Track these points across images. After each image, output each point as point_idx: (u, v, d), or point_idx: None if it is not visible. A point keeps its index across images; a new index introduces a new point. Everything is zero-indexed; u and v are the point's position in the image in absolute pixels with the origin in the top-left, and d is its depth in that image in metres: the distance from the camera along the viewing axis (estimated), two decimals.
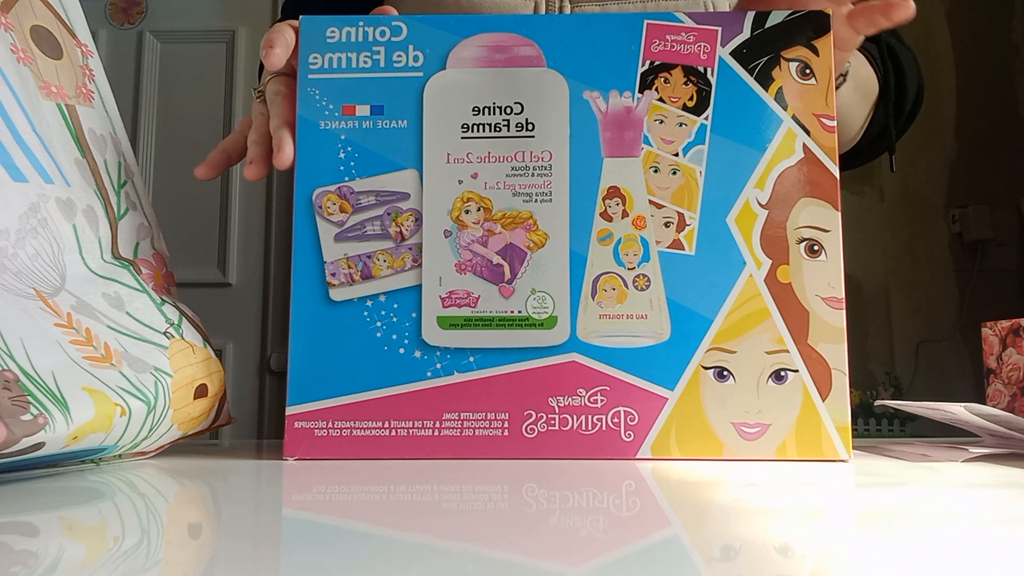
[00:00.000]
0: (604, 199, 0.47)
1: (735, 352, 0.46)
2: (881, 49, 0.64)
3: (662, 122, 0.48)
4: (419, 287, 0.47)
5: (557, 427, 0.46)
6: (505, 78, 0.48)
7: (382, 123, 0.48)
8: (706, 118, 0.48)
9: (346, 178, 0.48)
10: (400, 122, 0.48)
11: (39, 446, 0.36)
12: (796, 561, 0.23)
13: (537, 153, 0.48)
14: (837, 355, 0.46)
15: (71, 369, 0.39)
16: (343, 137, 0.48)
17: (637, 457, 0.45)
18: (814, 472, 0.41)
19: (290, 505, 0.33)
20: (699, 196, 0.47)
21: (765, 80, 0.48)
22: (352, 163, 0.48)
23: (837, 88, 0.55)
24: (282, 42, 0.48)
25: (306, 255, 0.48)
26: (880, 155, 0.68)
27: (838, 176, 0.47)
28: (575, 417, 0.46)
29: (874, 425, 1.96)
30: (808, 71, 0.48)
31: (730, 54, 0.48)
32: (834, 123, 0.48)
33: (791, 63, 0.48)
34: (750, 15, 0.48)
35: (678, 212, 0.47)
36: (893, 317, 2.04)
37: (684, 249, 0.47)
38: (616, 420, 0.46)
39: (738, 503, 0.32)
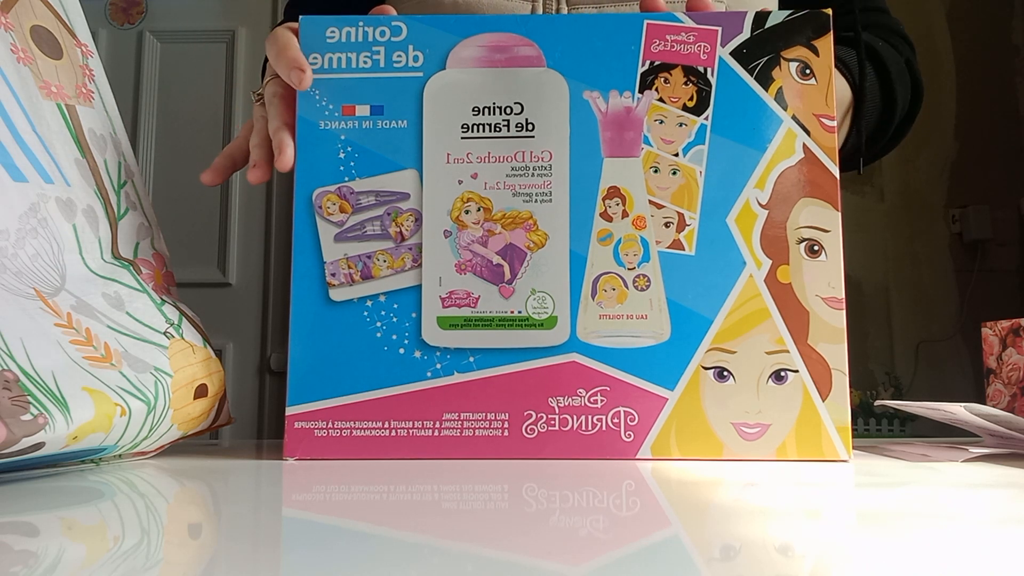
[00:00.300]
0: (604, 199, 0.47)
1: (735, 352, 0.46)
2: (860, 55, 0.62)
3: (662, 122, 0.48)
4: (419, 287, 0.47)
5: (557, 427, 0.46)
6: (505, 78, 0.48)
7: (382, 123, 0.48)
8: (706, 118, 0.48)
9: (346, 178, 0.48)
10: (400, 122, 0.48)
11: (39, 446, 0.36)
12: (796, 561, 0.23)
13: (537, 153, 0.48)
14: (837, 355, 0.46)
15: (71, 369, 0.39)
16: (343, 137, 0.48)
17: (637, 457, 0.45)
18: (814, 472, 0.41)
19: (290, 505, 0.33)
20: (699, 196, 0.47)
21: (765, 80, 0.48)
22: (352, 163, 0.48)
23: None
24: (304, 60, 0.48)
25: (306, 255, 0.48)
26: (855, 167, 0.67)
27: (838, 176, 0.47)
28: (575, 417, 0.46)
29: (874, 425, 1.96)
30: (808, 71, 0.48)
31: (730, 54, 0.48)
32: (834, 123, 0.48)
33: (791, 63, 0.48)
34: (750, 15, 0.48)
35: (678, 212, 0.47)
36: (893, 317, 2.04)
37: (684, 249, 0.47)
38: (616, 420, 0.46)
39: (738, 503, 0.32)
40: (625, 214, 0.47)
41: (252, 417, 1.90)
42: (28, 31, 0.47)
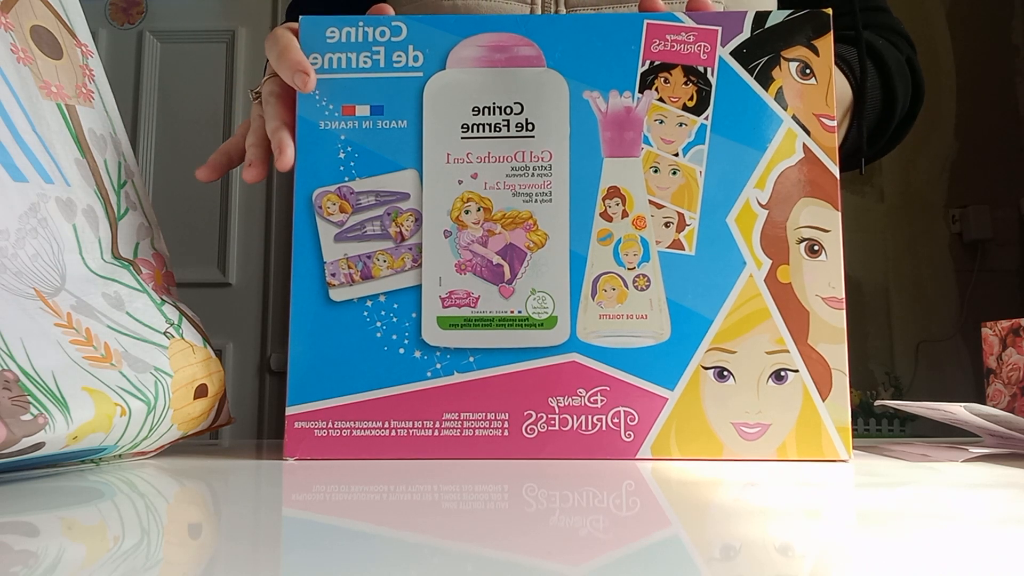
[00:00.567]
0: (604, 199, 0.47)
1: (735, 352, 0.46)
2: (860, 53, 0.62)
3: (662, 122, 0.48)
4: (419, 287, 0.47)
5: (557, 427, 0.46)
6: (505, 78, 0.48)
7: (382, 123, 0.48)
8: (706, 118, 0.48)
9: (346, 178, 0.48)
10: (400, 122, 0.48)
11: (39, 446, 0.36)
12: (796, 561, 0.23)
13: (537, 153, 0.48)
14: (837, 355, 0.46)
15: (71, 369, 0.39)
16: (343, 137, 0.48)
17: (637, 457, 0.45)
18: (814, 472, 0.41)
19: (290, 505, 0.33)
20: (699, 196, 0.47)
21: (765, 80, 0.48)
22: (352, 163, 0.48)
23: None
24: (307, 63, 0.48)
25: (306, 255, 0.48)
26: (856, 166, 0.66)
27: (838, 176, 0.47)
28: (575, 417, 0.46)
29: (874, 425, 1.96)
30: (808, 71, 0.48)
31: (730, 54, 0.48)
32: (834, 123, 0.48)
33: (791, 63, 0.48)
34: (750, 15, 0.48)
35: (678, 212, 0.47)
36: (893, 317, 2.04)
37: (684, 249, 0.47)
38: (616, 420, 0.46)
39: (738, 503, 0.32)
40: (625, 214, 0.47)
41: (252, 417, 1.90)
42: (28, 31, 0.47)
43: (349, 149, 0.48)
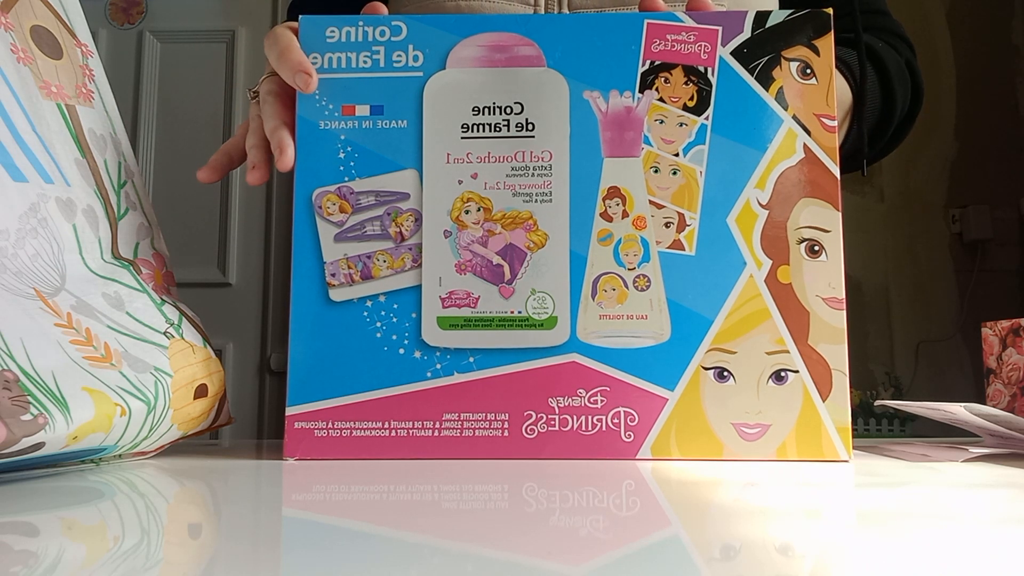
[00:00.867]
0: (604, 199, 0.47)
1: (735, 352, 0.46)
2: (860, 56, 0.63)
3: (662, 122, 0.48)
4: (419, 287, 0.47)
5: (557, 427, 0.46)
6: (505, 78, 0.48)
7: (382, 123, 0.48)
8: (706, 118, 0.47)
9: (346, 178, 0.48)
10: (400, 122, 0.48)
11: (39, 446, 0.36)
12: (796, 561, 0.23)
13: (537, 153, 0.48)
14: (837, 355, 0.46)
15: (71, 369, 0.39)
16: (343, 137, 0.48)
17: (637, 457, 0.45)
18: (814, 472, 0.41)
19: (290, 505, 0.33)
20: (699, 196, 0.47)
21: (766, 80, 0.48)
22: (352, 163, 0.48)
23: None
24: (309, 64, 0.48)
25: (306, 255, 0.48)
26: (858, 168, 0.66)
27: (839, 176, 0.47)
28: (575, 417, 0.46)
29: (874, 425, 1.96)
30: (809, 71, 0.48)
31: (730, 54, 0.48)
32: (835, 123, 0.48)
33: (792, 63, 0.48)
34: (750, 15, 0.48)
35: (678, 212, 0.47)
36: (893, 317, 2.04)
37: (684, 249, 0.47)
38: (616, 420, 0.46)
39: (738, 503, 0.32)
40: (625, 214, 0.47)
41: (252, 417, 1.90)
42: (28, 31, 0.47)
43: (349, 149, 0.48)
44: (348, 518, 0.30)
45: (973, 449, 0.52)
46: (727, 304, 0.46)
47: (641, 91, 0.48)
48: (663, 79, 0.48)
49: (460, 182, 0.48)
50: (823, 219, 0.47)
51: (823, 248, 0.47)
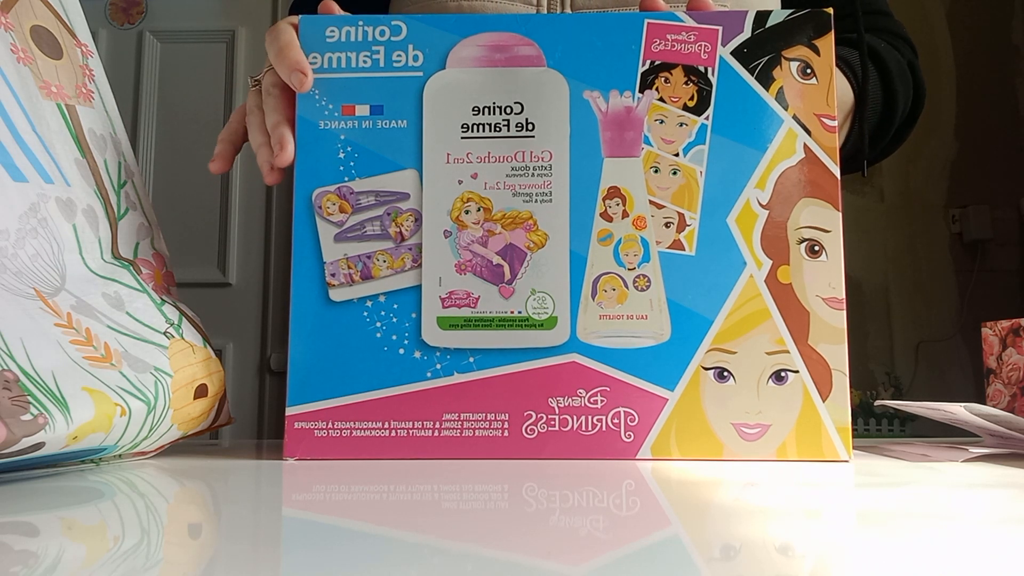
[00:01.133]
0: (604, 199, 0.47)
1: (735, 353, 0.46)
2: (862, 56, 0.62)
3: (662, 122, 0.48)
4: (419, 287, 0.47)
5: (557, 427, 0.46)
6: (505, 78, 0.48)
7: (382, 123, 0.48)
8: (707, 118, 0.47)
9: (346, 178, 0.48)
10: (400, 122, 0.48)
11: (39, 446, 0.36)
12: (796, 561, 0.23)
13: (537, 153, 0.48)
14: (837, 355, 0.46)
15: (71, 369, 0.39)
16: (343, 137, 0.48)
17: (637, 457, 0.45)
18: (814, 472, 0.41)
19: (290, 505, 0.33)
20: (699, 196, 0.47)
21: (766, 80, 0.48)
22: (352, 163, 0.48)
23: None
24: (306, 63, 0.48)
25: (306, 255, 0.48)
26: (859, 169, 0.66)
27: (839, 176, 0.47)
28: (575, 418, 0.46)
29: (874, 425, 1.96)
30: (809, 71, 0.48)
31: (731, 54, 0.48)
32: (835, 123, 0.48)
33: (792, 63, 0.48)
34: (751, 14, 0.48)
35: (678, 212, 0.47)
36: (893, 317, 2.04)
37: (684, 249, 0.47)
38: (616, 420, 0.46)
39: (738, 503, 0.32)
40: (625, 214, 0.47)
41: (252, 417, 1.90)
42: (28, 31, 0.47)
43: (349, 149, 0.48)
44: (348, 518, 0.30)
45: (973, 449, 0.52)
46: (727, 304, 0.46)
47: (641, 91, 0.48)
48: (663, 79, 0.48)
49: (460, 182, 0.48)
50: (823, 219, 0.47)
51: (823, 248, 0.47)
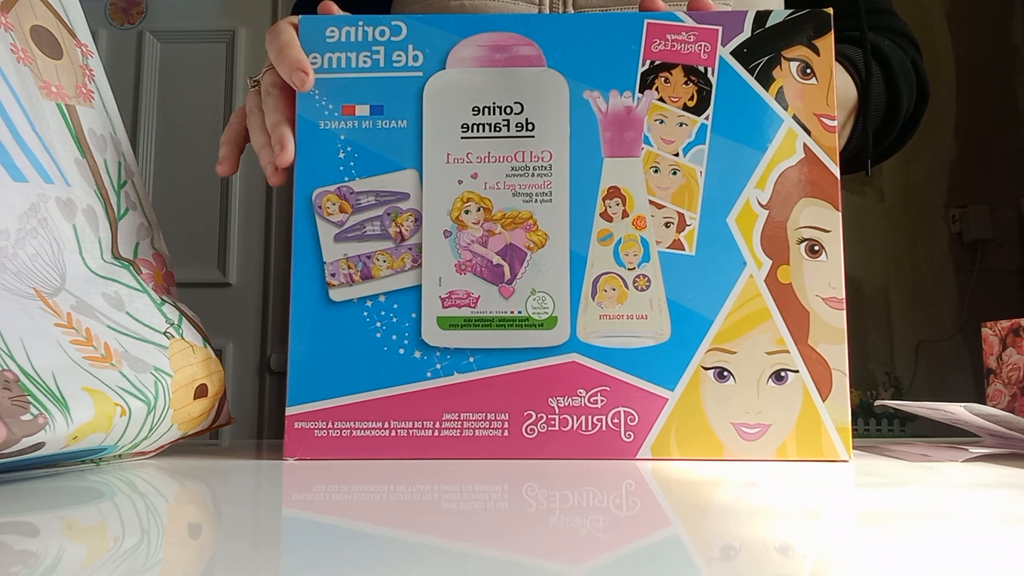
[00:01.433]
0: (604, 199, 0.47)
1: (735, 352, 0.46)
2: (866, 54, 0.62)
3: (662, 122, 0.48)
4: (419, 287, 0.47)
5: (557, 427, 0.46)
6: (505, 78, 0.48)
7: (382, 123, 0.48)
8: (706, 118, 0.47)
9: (346, 178, 0.48)
10: (400, 122, 0.48)
11: (39, 446, 0.36)
12: (796, 561, 0.23)
13: (537, 153, 0.48)
14: (837, 355, 0.46)
15: (71, 369, 0.39)
16: (343, 137, 0.48)
17: (637, 457, 0.45)
18: (814, 472, 0.41)
19: (290, 505, 0.33)
20: (699, 196, 0.47)
21: (766, 80, 0.48)
22: (352, 163, 0.48)
23: None
24: (307, 62, 0.48)
25: (306, 255, 0.48)
26: (861, 169, 0.66)
27: (839, 176, 0.47)
28: (575, 417, 0.46)
29: (874, 425, 1.96)
30: (809, 71, 0.48)
31: (731, 54, 0.48)
32: (835, 123, 0.48)
33: (792, 63, 0.48)
34: (751, 14, 0.48)
35: (678, 212, 0.47)
36: (893, 317, 2.04)
37: (684, 249, 0.47)
38: (616, 420, 0.46)
39: (738, 503, 0.32)
40: (625, 214, 0.47)
41: (252, 417, 1.90)
42: (28, 31, 0.47)
43: (349, 149, 0.48)
44: (348, 518, 0.30)
45: (973, 449, 0.52)
46: (727, 304, 0.46)
47: (641, 91, 0.48)
48: (663, 79, 0.48)
49: (460, 182, 0.48)
50: (823, 219, 0.47)
51: (823, 248, 0.47)
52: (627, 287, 0.47)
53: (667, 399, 0.46)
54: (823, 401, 0.45)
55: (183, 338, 0.48)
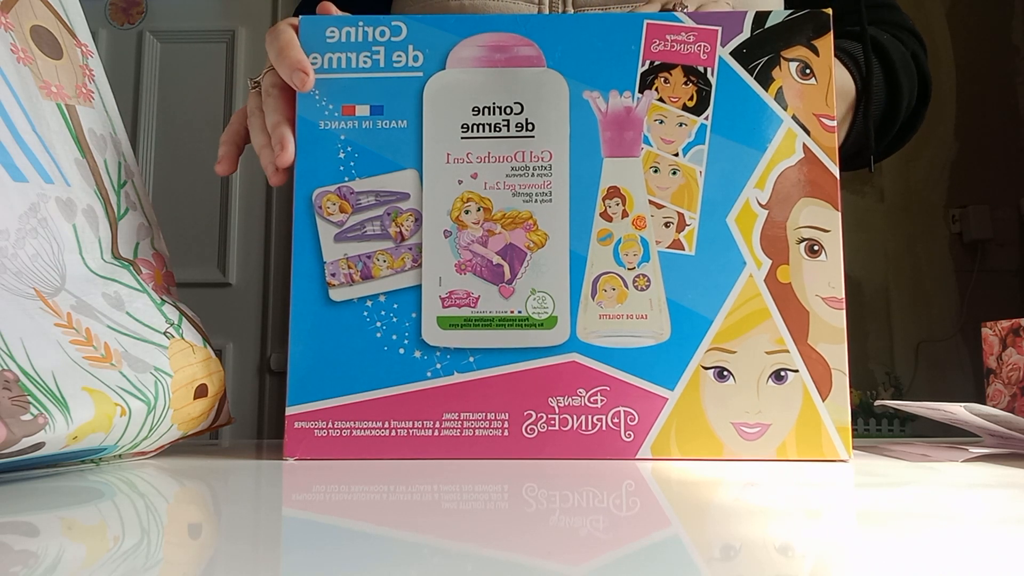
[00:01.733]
0: (604, 199, 0.47)
1: (735, 352, 0.46)
2: (866, 48, 0.62)
3: (662, 122, 0.48)
4: (419, 287, 0.47)
5: (557, 427, 0.46)
6: (505, 78, 0.48)
7: (382, 123, 0.48)
8: (706, 118, 0.48)
9: (346, 178, 0.48)
10: (400, 122, 0.48)
11: (39, 446, 0.36)
12: (796, 561, 0.23)
13: (537, 153, 0.48)
14: (837, 355, 0.46)
15: (71, 369, 0.39)
16: (343, 137, 0.48)
17: (637, 457, 0.45)
18: (814, 472, 0.41)
19: (290, 505, 0.33)
20: (699, 196, 0.47)
21: (765, 80, 0.48)
22: (352, 163, 0.48)
23: None
24: (307, 62, 0.48)
25: (306, 255, 0.48)
26: (863, 165, 0.66)
27: (838, 176, 0.47)
28: (575, 417, 0.46)
29: (874, 425, 1.96)
30: (808, 71, 0.48)
31: (730, 54, 0.48)
32: (834, 123, 0.48)
33: (791, 63, 0.48)
34: (750, 15, 0.48)
35: (678, 212, 0.47)
36: (893, 317, 2.04)
37: (684, 249, 0.47)
38: (616, 420, 0.46)
39: (738, 503, 0.32)
40: (625, 214, 0.47)
41: (252, 417, 1.90)
42: (28, 31, 0.47)
43: (349, 149, 0.48)
44: (348, 518, 0.30)
45: (973, 449, 0.52)
46: (727, 304, 0.46)
47: (641, 91, 0.48)
48: (663, 79, 0.48)
49: (460, 182, 0.48)
50: (823, 219, 0.47)
51: (823, 248, 0.47)
52: (627, 287, 0.47)
53: (667, 399, 0.46)
54: (823, 401, 0.45)
55: (183, 338, 0.48)
